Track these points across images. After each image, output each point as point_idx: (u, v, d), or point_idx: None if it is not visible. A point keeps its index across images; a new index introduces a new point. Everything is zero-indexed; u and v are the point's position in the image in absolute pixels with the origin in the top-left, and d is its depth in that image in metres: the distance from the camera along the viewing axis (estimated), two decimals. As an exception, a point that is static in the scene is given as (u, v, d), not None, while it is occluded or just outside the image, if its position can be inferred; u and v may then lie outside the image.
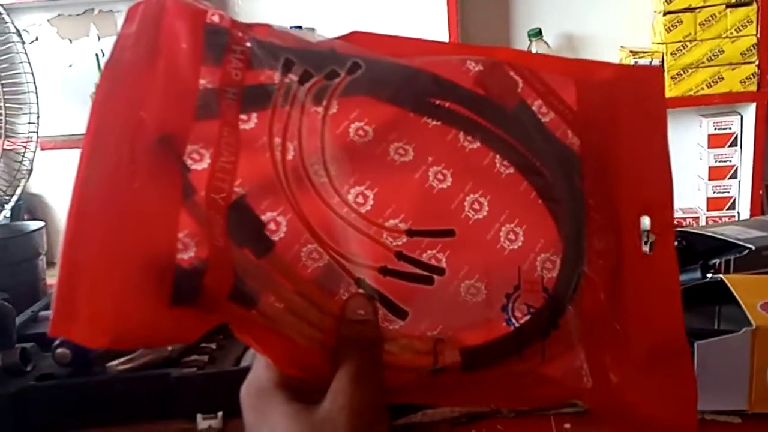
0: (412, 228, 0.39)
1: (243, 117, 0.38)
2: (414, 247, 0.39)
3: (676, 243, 0.88)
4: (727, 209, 2.30)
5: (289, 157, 0.38)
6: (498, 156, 0.41)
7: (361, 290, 0.39)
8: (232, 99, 0.38)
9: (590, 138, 0.42)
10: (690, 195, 2.40)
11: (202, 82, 0.38)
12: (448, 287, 0.39)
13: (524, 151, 0.41)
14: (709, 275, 0.84)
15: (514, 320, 0.40)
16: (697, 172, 2.36)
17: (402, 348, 0.39)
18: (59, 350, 0.76)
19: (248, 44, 0.39)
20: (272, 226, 0.38)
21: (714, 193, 2.30)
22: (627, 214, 0.41)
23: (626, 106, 0.43)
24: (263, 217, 0.37)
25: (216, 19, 0.39)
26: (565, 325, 0.40)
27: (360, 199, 0.39)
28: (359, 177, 0.39)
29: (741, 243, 0.84)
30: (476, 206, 0.40)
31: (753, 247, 0.82)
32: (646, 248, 0.41)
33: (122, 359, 0.76)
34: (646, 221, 0.41)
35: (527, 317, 0.40)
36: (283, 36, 0.40)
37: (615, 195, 0.42)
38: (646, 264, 0.42)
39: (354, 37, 0.43)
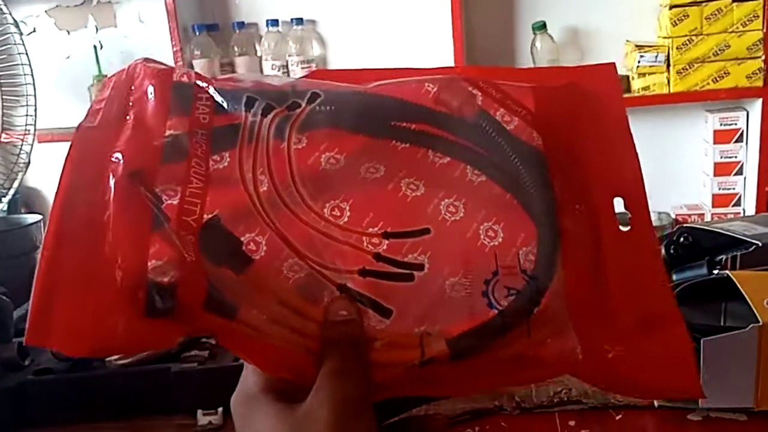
0: (387, 230, 0.41)
1: (215, 158, 0.41)
2: (395, 250, 0.41)
3: (682, 239, 0.88)
4: (733, 206, 2.29)
5: (263, 188, 0.41)
6: (468, 166, 0.43)
7: (344, 294, 0.40)
8: (201, 139, 0.41)
9: (552, 134, 0.44)
10: (695, 191, 2.39)
11: (169, 130, 0.41)
12: (432, 285, 0.41)
13: (491, 157, 0.43)
14: (716, 271, 0.83)
15: (495, 303, 0.40)
16: (703, 168, 2.35)
17: (390, 346, 0.40)
18: (57, 344, 0.75)
19: (213, 93, 0.43)
20: (252, 246, 0.40)
21: (719, 189, 2.29)
22: (600, 198, 0.43)
23: (585, 101, 0.45)
24: (242, 238, 0.40)
25: (183, 77, 0.43)
26: (549, 303, 0.41)
27: (336, 212, 0.41)
28: (333, 193, 0.41)
29: (747, 239, 0.83)
30: (452, 209, 0.42)
31: (759, 244, 0.82)
32: (623, 227, 0.43)
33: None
34: (619, 201, 0.43)
35: (509, 299, 0.41)
36: (244, 81, 0.44)
37: (586, 183, 0.44)
38: (625, 240, 0.43)
39: (314, 74, 0.45)
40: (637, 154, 0.44)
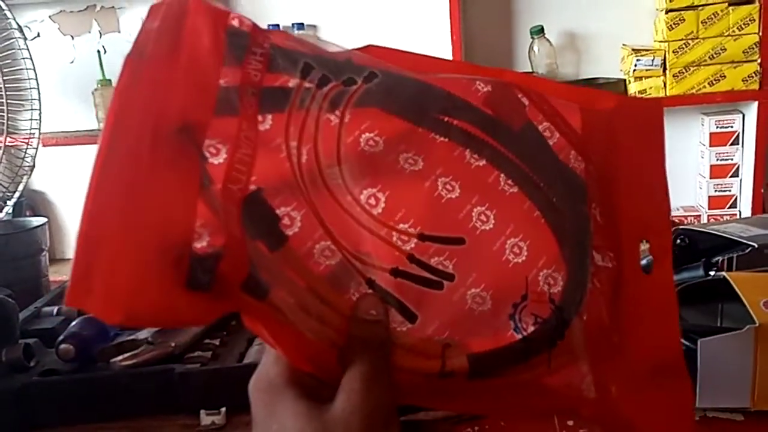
0: (423, 232, 0.40)
1: (260, 118, 0.39)
2: (423, 252, 0.40)
3: (678, 241, 0.89)
4: (729, 207, 2.30)
5: (304, 159, 0.39)
6: (503, 175, 0.42)
7: (372, 291, 0.39)
8: (251, 97, 0.39)
9: (594, 162, 0.43)
10: (691, 193, 2.40)
11: (222, 80, 0.38)
12: (455, 294, 0.40)
13: (528, 171, 0.42)
14: (712, 273, 0.84)
15: (521, 329, 0.40)
16: (699, 170, 2.36)
17: (410, 351, 0.39)
18: (63, 346, 0.76)
19: (268, 48, 0.40)
20: (286, 220, 0.38)
21: (715, 191, 2.30)
22: (627, 237, 0.43)
23: (627, 134, 0.44)
24: (278, 212, 0.38)
25: (237, 22, 0.40)
26: (570, 336, 0.41)
27: (372, 201, 0.40)
28: (371, 180, 0.40)
29: (744, 241, 0.84)
30: (483, 218, 0.41)
31: (756, 245, 0.82)
32: (645, 270, 0.43)
33: (126, 355, 0.76)
34: (644, 245, 0.43)
35: (535, 327, 0.40)
36: (302, 43, 0.41)
37: (616, 218, 0.43)
38: (645, 285, 0.43)
39: (369, 49, 0.43)
40: (669, 198, 0.44)
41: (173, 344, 0.78)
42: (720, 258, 0.86)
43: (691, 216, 2.33)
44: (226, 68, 0.38)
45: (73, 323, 0.80)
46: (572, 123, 0.43)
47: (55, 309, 0.93)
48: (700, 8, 2.07)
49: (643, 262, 0.43)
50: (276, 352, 0.39)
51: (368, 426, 0.37)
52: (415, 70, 0.43)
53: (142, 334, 0.79)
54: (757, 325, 0.64)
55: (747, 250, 0.83)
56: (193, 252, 0.36)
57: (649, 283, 0.43)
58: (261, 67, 0.39)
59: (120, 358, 0.76)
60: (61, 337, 0.77)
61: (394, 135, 0.41)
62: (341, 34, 2.44)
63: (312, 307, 0.38)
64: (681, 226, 0.95)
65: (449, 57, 2.19)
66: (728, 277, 0.74)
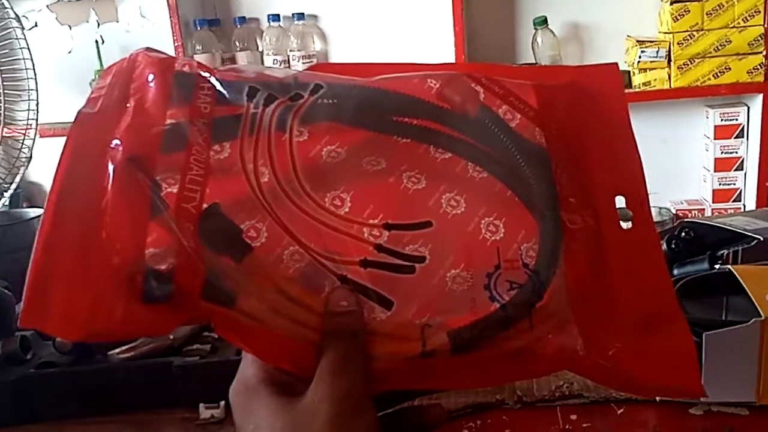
0: (388, 221, 0.41)
1: (216, 148, 0.41)
2: (395, 242, 0.41)
3: (683, 233, 0.88)
4: (733, 201, 2.29)
5: (264, 179, 0.40)
6: (470, 162, 0.43)
7: (345, 285, 0.40)
8: (202, 127, 0.41)
9: (554, 132, 0.44)
10: (696, 186, 2.39)
11: (170, 119, 0.41)
12: (433, 277, 0.41)
13: (493, 153, 0.43)
14: (717, 266, 0.83)
15: (498, 297, 0.41)
16: (703, 163, 2.35)
17: (390, 337, 0.40)
18: (60, 338, 0.75)
19: (215, 83, 0.42)
20: (252, 233, 0.40)
21: (720, 184, 2.29)
22: (602, 196, 0.44)
23: (588, 100, 0.45)
24: (242, 225, 0.39)
25: (185, 67, 0.42)
26: (551, 298, 0.41)
27: (337, 202, 0.41)
28: (334, 184, 0.41)
29: (749, 234, 0.83)
30: (453, 203, 0.42)
31: (761, 238, 0.81)
32: (625, 224, 0.43)
33: (124, 347, 0.76)
34: (621, 200, 0.44)
35: (511, 292, 0.41)
36: (247, 73, 0.44)
37: (588, 181, 0.44)
38: (627, 239, 0.43)
39: (316, 67, 0.45)
40: (638, 153, 0.44)
41: (172, 337, 0.77)
42: (725, 251, 0.85)
43: (695, 209, 2.32)
44: (174, 108, 0.41)
45: (71, 315, 0.79)
46: (527, 100, 0.44)
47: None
48: (705, 0, 2.06)
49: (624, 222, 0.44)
50: (251, 356, 0.40)
51: (337, 414, 0.37)
52: (363, 77, 0.44)
53: (140, 327, 0.78)
54: (762, 318, 0.64)
55: (752, 243, 0.82)
56: (148, 267, 0.37)
57: (631, 237, 0.44)
58: (210, 100, 0.42)
59: (118, 350, 0.76)
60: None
61: (355, 144, 0.42)
62: (342, 25, 2.43)
63: (285, 310, 0.39)
64: (686, 219, 0.94)
65: (452, 48, 2.19)
66: (733, 270, 0.73)
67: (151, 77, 0.41)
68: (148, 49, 0.43)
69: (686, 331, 0.43)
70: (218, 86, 0.42)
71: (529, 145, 0.44)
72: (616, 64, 0.47)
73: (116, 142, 0.39)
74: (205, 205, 0.39)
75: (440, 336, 0.40)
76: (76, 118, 0.39)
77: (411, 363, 0.40)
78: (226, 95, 0.42)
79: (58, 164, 0.38)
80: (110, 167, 0.38)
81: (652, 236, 0.44)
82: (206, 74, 0.42)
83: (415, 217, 0.41)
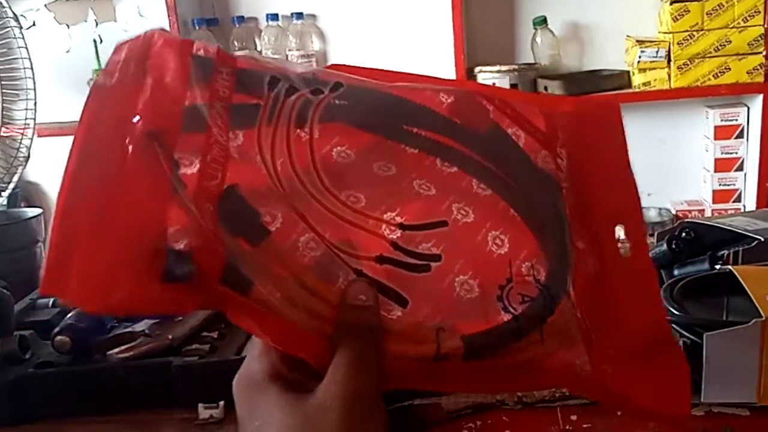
0: (404, 223, 0.41)
1: (233, 134, 0.40)
2: (410, 241, 0.41)
3: (684, 234, 0.88)
4: (733, 202, 2.29)
5: (280, 169, 0.40)
6: (474, 179, 0.43)
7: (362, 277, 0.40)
8: (221, 110, 0.40)
9: (563, 158, 0.45)
10: (695, 187, 2.39)
11: (189, 99, 0.40)
12: (445, 279, 0.41)
13: (499, 172, 0.44)
14: (717, 266, 0.83)
15: (511, 309, 0.41)
16: (703, 164, 2.35)
17: (403, 337, 0.40)
18: (59, 338, 0.75)
19: (235, 69, 0.42)
20: (268, 218, 0.39)
21: (720, 185, 2.29)
22: (602, 224, 0.45)
23: (589, 133, 0.47)
24: (259, 210, 0.39)
25: (202, 51, 0.42)
26: (560, 313, 0.42)
27: (353, 199, 0.41)
28: (349, 184, 0.41)
29: (749, 234, 0.83)
30: (463, 212, 0.42)
31: (762, 239, 0.81)
32: (622, 251, 0.45)
33: (123, 347, 0.76)
34: (620, 230, 0.45)
35: (524, 305, 0.41)
36: (267, 63, 0.43)
37: (590, 208, 0.45)
38: (625, 267, 0.45)
39: (333, 67, 0.45)
40: (636, 185, 0.46)
41: (171, 337, 0.77)
42: (725, 252, 0.85)
43: (695, 210, 2.32)
44: (193, 88, 0.40)
45: (69, 315, 0.79)
46: (536, 123, 0.45)
47: (51, 300, 0.92)
48: (705, 0, 2.06)
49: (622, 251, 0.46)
50: (259, 349, 0.40)
51: (350, 413, 0.37)
52: (378, 82, 0.45)
53: (140, 327, 0.78)
54: (763, 318, 0.63)
55: (753, 244, 0.82)
56: (170, 247, 0.37)
57: (629, 266, 0.45)
58: (228, 85, 0.41)
59: (117, 350, 0.76)
60: (57, 329, 0.76)
61: (364, 147, 0.42)
62: (341, 24, 2.43)
63: (299, 300, 0.39)
64: (686, 220, 0.94)
65: (451, 47, 2.18)
66: (734, 271, 0.73)
67: (169, 55, 0.41)
68: (162, 29, 0.42)
69: (681, 359, 0.44)
70: (238, 72, 0.42)
71: (537, 167, 0.44)
72: (617, 101, 0.49)
73: (135, 116, 0.38)
74: (226, 185, 0.39)
75: (455, 340, 0.40)
76: (91, 92, 0.38)
77: (422, 364, 0.40)
78: (246, 82, 0.42)
79: (75, 138, 0.37)
80: (129, 141, 0.38)
81: (648, 266, 0.46)
82: (225, 59, 0.42)
83: (428, 218, 0.42)
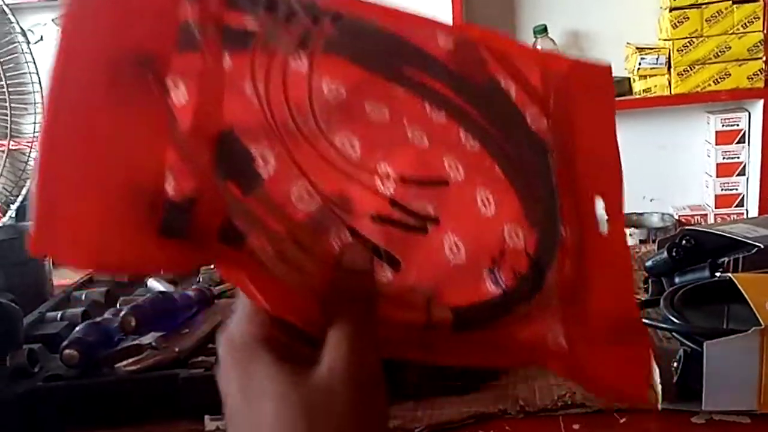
0: (404, 175, 0.39)
1: (226, 59, 0.37)
2: (407, 198, 0.39)
3: (684, 241, 0.89)
4: (736, 206, 2.29)
5: (274, 103, 0.37)
6: (462, 130, 0.42)
7: (355, 239, 0.38)
8: (214, 33, 0.36)
9: (554, 121, 0.44)
10: (698, 192, 2.40)
11: (182, 14, 0.36)
12: (438, 241, 0.40)
13: (490, 128, 0.42)
14: (718, 274, 0.84)
15: (502, 283, 0.41)
16: (705, 169, 2.36)
17: (394, 302, 0.39)
18: (67, 351, 0.76)
19: None
20: (260, 161, 0.36)
21: (722, 190, 2.29)
22: (584, 195, 0.43)
23: (580, 96, 0.45)
24: (252, 152, 0.36)
25: None
26: (546, 289, 0.42)
27: (348, 145, 0.38)
28: (343, 126, 0.39)
29: (750, 242, 0.83)
30: (455, 168, 0.41)
31: (762, 246, 0.82)
32: (601, 228, 0.43)
33: (130, 360, 0.76)
34: (600, 203, 0.43)
35: (514, 280, 0.41)
36: None
37: (573, 175, 0.44)
38: (602, 244, 0.43)
39: None
40: (619, 157, 0.44)
41: (177, 349, 0.78)
42: (726, 259, 0.85)
43: (697, 215, 2.33)
44: (183, 4, 0.36)
45: (77, 328, 0.80)
46: (532, 81, 0.43)
47: (59, 314, 0.93)
48: (704, 6, 2.07)
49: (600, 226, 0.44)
50: (249, 309, 0.37)
51: (357, 383, 0.35)
52: (380, 19, 0.42)
53: (146, 339, 0.79)
54: (762, 327, 0.64)
55: (753, 251, 0.82)
56: (168, 198, 0.34)
57: (605, 243, 0.43)
58: (221, 2, 0.37)
59: (124, 363, 0.76)
60: (65, 343, 0.77)
61: (355, 84, 0.39)
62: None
63: (291, 256, 0.37)
64: (687, 227, 0.95)
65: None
66: (734, 279, 0.73)
67: None
68: None
69: (647, 345, 0.45)
70: None
71: (530, 128, 0.43)
72: (610, 66, 0.47)
73: (124, 32, 0.34)
74: (222, 127, 0.36)
75: (444, 311, 0.39)
76: (64, 8, 0.33)
77: (410, 332, 0.39)
78: (240, 1, 0.37)
79: (53, 67, 0.32)
80: (119, 66, 0.33)
81: (624, 244, 0.45)
82: None
83: (424, 172, 0.40)
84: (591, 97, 0.45)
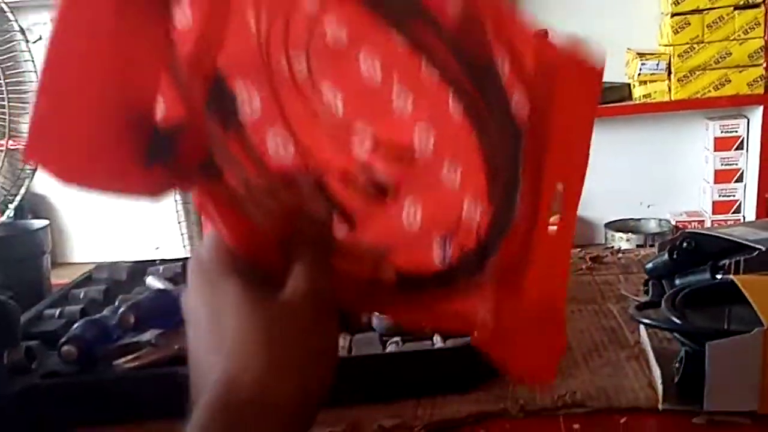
0: (378, 138, 0.41)
1: None
2: (379, 162, 0.42)
3: (684, 244, 0.89)
4: (733, 213, 2.30)
5: (273, 37, 0.38)
6: (452, 96, 0.43)
7: (321, 191, 0.41)
8: None
9: (536, 107, 0.45)
10: (695, 198, 2.40)
11: None
12: (397, 209, 0.42)
13: (480, 102, 0.43)
14: (719, 276, 0.84)
15: (448, 257, 0.43)
16: (703, 175, 2.36)
17: (345, 254, 0.41)
18: (65, 348, 0.76)
19: None
20: (246, 105, 0.38)
21: (719, 196, 2.30)
22: (545, 185, 0.45)
23: (566, 90, 0.46)
24: (239, 91, 0.38)
25: None
26: (488, 268, 0.44)
27: (332, 98, 0.40)
28: (332, 76, 0.40)
29: (751, 244, 0.83)
30: (429, 138, 0.43)
31: (763, 248, 0.82)
32: (554, 209, 0.46)
33: (129, 357, 0.76)
34: (559, 187, 0.45)
35: (460, 257, 0.43)
36: None
37: (540, 165, 0.45)
38: (549, 234, 0.46)
39: None
40: (588, 158, 0.46)
41: (176, 346, 0.77)
42: (727, 261, 0.85)
43: (694, 221, 2.33)
44: None
45: (76, 325, 0.79)
46: (526, 65, 0.44)
47: (57, 311, 0.92)
48: (705, 12, 2.08)
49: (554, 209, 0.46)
50: (220, 236, 0.40)
51: (316, 311, 0.38)
52: None
53: (146, 336, 0.79)
54: (765, 327, 0.64)
55: (754, 254, 0.82)
56: (156, 123, 0.35)
57: (552, 233, 0.46)
58: None
59: (123, 360, 0.76)
60: (63, 339, 0.77)
61: (360, 29, 0.40)
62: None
63: (261, 199, 0.39)
64: (687, 230, 0.94)
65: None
66: (736, 280, 0.73)
67: None
68: None
69: (562, 337, 0.48)
70: None
71: (512, 113, 0.44)
72: (602, 68, 0.48)
73: None
74: (220, 64, 0.37)
75: (390, 271, 0.42)
76: None
77: (357, 284, 0.42)
78: None
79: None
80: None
81: (569, 236, 0.47)
82: None
83: (402, 139, 0.42)
84: (575, 93, 0.47)
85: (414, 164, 0.42)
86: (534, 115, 0.45)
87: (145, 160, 0.35)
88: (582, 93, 0.47)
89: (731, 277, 0.77)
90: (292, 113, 0.39)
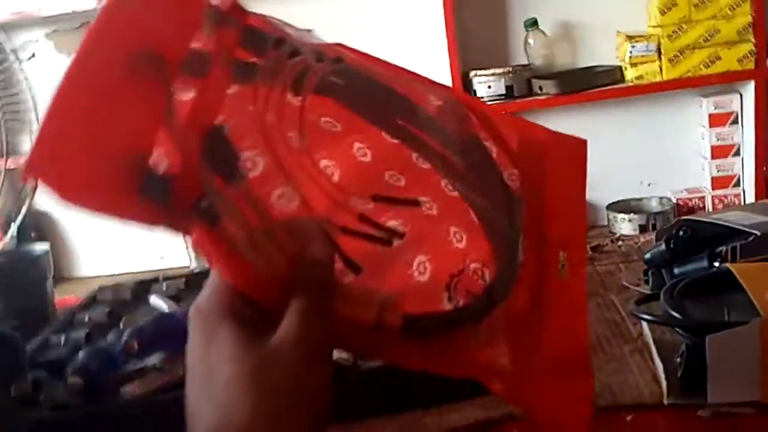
0: (378, 194, 0.43)
1: (232, 87, 0.41)
2: (378, 214, 0.43)
3: (681, 232, 0.89)
4: (732, 187, 2.30)
5: (268, 120, 0.41)
6: (444, 179, 0.46)
7: (323, 234, 0.42)
8: (223, 62, 0.41)
9: (527, 181, 0.49)
10: (695, 175, 2.40)
11: (195, 44, 0.40)
12: (404, 256, 0.43)
13: (471, 179, 0.47)
14: (716, 263, 0.84)
15: (455, 300, 0.44)
16: (700, 151, 2.36)
17: (349, 299, 0.42)
18: (71, 380, 0.76)
19: (244, 26, 0.43)
20: (248, 164, 0.40)
21: (718, 171, 2.30)
22: (550, 246, 0.49)
23: (556, 164, 0.50)
24: (242, 153, 0.40)
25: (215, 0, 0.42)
26: (497, 315, 0.45)
27: (329, 170, 0.43)
28: (328, 153, 0.43)
29: (746, 229, 0.84)
30: (428, 205, 0.45)
31: (759, 233, 0.82)
32: (562, 275, 0.49)
33: (135, 383, 0.77)
34: (562, 255, 0.49)
35: (467, 299, 0.44)
36: (275, 26, 0.45)
37: (542, 230, 0.49)
38: (561, 288, 0.49)
39: (336, 45, 0.47)
40: (585, 222, 0.51)
41: (181, 371, 0.78)
42: (723, 248, 0.85)
43: (695, 197, 2.33)
44: (201, 33, 0.41)
45: (80, 354, 0.80)
46: (510, 143, 0.49)
47: (63, 338, 0.93)
48: (691, -9, 2.07)
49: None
50: (217, 280, 0.40)
51: (304, 359, 0.38)
52: (377, 71, 0.47)
53: (151, 361, 0.79)
54: (762, 318, 0.64)
55: (750, 239, 0.82)
56: (149, 169, 0.37)
57: (565, 287, 0.49)
58: (235, 39, 0.42)
59: (129, 387, 0.77)
60: (69, 370, 0.77)
61: (349, 124, 0.45)
62: (334, 32, 2.43)
63: (262, 245, 0.40)
64: (683, 217, 0.95)
65: (445, 52, 2.19)
66: (732, 270, 0.73)
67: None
68: None
69: (591, 385, 0.49)
70: (247, 29, 0.43)
71: (505, 182, 0.48)
72: (586, 141, 0.53)
73: (145, 35, 0.39)
74: (215, 123, 0.40)
75: (395, 316, 0.42)
76: (105, 4, 0.39)
77: (361, 330, 0.42)
78: (252, 40, 0.43)
79: (82, 42, 0.38)
80: (137, 55, 0.38)
81: (581, 291, 0.51)
82: (238, 14, 0.43)
83: (402, 197, 0.45)
84: (565, 165, 0.51)
85: (421, 215, 0.44)
86: (526, 187, 0.48)
87: (139, 197, 0.37)
88: (571, 164, 0.51)
89: (727, 265, 0.78)
90: (293, 174, 0.41)
